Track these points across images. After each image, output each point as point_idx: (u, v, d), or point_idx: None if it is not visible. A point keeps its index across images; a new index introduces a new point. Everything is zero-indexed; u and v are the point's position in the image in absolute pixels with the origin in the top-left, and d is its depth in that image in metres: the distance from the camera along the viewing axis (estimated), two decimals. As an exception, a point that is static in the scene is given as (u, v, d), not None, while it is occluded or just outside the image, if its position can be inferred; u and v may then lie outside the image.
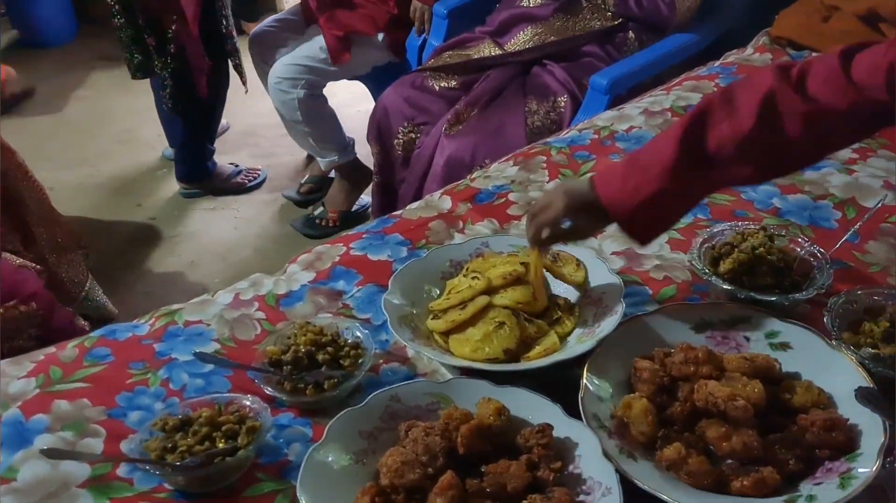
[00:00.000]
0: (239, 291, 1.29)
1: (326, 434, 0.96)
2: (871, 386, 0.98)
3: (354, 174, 2.78)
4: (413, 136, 2.21)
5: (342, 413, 0.99)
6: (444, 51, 2.31)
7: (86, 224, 2.80)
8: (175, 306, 1.27)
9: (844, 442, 0.96)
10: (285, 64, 2.54)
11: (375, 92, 2.83)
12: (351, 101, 3.36)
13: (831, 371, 1.04)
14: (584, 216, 1.11)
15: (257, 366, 1.10)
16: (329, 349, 1.11)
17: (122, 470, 0.99)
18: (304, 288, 1.28)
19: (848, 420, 0.98)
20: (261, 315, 1.24)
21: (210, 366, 1.13)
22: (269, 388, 1.07)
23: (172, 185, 3.05)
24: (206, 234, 2.83)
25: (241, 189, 3.03)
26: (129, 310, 2.09)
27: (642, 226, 1.09)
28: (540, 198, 1.17)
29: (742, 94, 1.04)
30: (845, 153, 1.51)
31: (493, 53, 2.21)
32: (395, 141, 2.24)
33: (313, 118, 2.60)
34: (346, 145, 2.74)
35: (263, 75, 2.78)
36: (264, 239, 2.80)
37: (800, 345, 1.09)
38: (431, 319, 1.18)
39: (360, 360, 1.11)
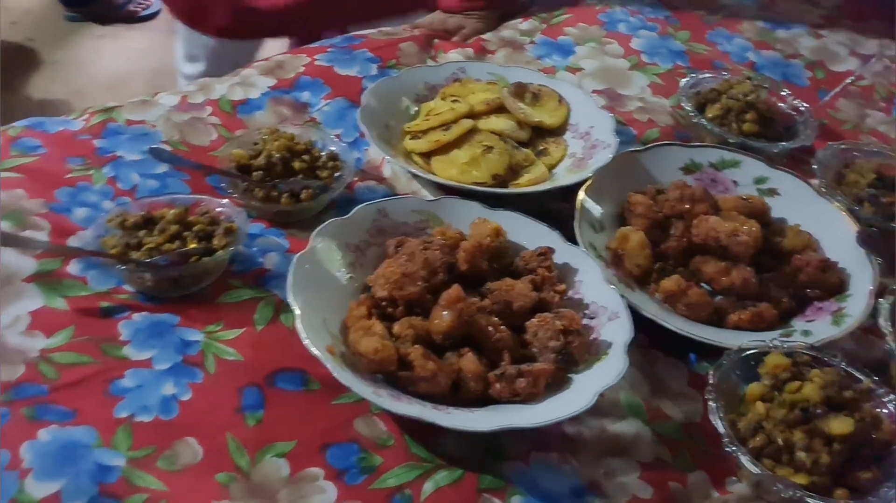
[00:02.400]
0: (186, 94, 1.13)
1: (314, 239, 0.86)
2: (872, 229, 0.99)
3: None
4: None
5: (329, 222, 0.89)
6: None
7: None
8: (111, 104, 1.10)
9: (836, 283, 0.97)
10: None
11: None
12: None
13: (818, 217, 1.04)
14: None
15: (224, 170, 0.97)
16: (305, 157, 0.99)
17: (73, 268, 0.85)
18: (265, 95, 1.14)
19: (837, 263, 0.98)
20: (216, 120, 1.09)
21: (165, 167, 0.99)
22: (237, 196, 0.95)
23: (53, 7, 2.70)
24: (94, 63, 2.54)
25: (133, 18, 2.73)
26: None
27: None
28: None
29: None
30: (814, 18, 1.50)
31: None
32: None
33: None
34: None
35: None
36: (160, 74, 2.54)
37: (787, 192, 1.07)
38: (410, 139, 1.09)
39: (337, 174, 1.00)
